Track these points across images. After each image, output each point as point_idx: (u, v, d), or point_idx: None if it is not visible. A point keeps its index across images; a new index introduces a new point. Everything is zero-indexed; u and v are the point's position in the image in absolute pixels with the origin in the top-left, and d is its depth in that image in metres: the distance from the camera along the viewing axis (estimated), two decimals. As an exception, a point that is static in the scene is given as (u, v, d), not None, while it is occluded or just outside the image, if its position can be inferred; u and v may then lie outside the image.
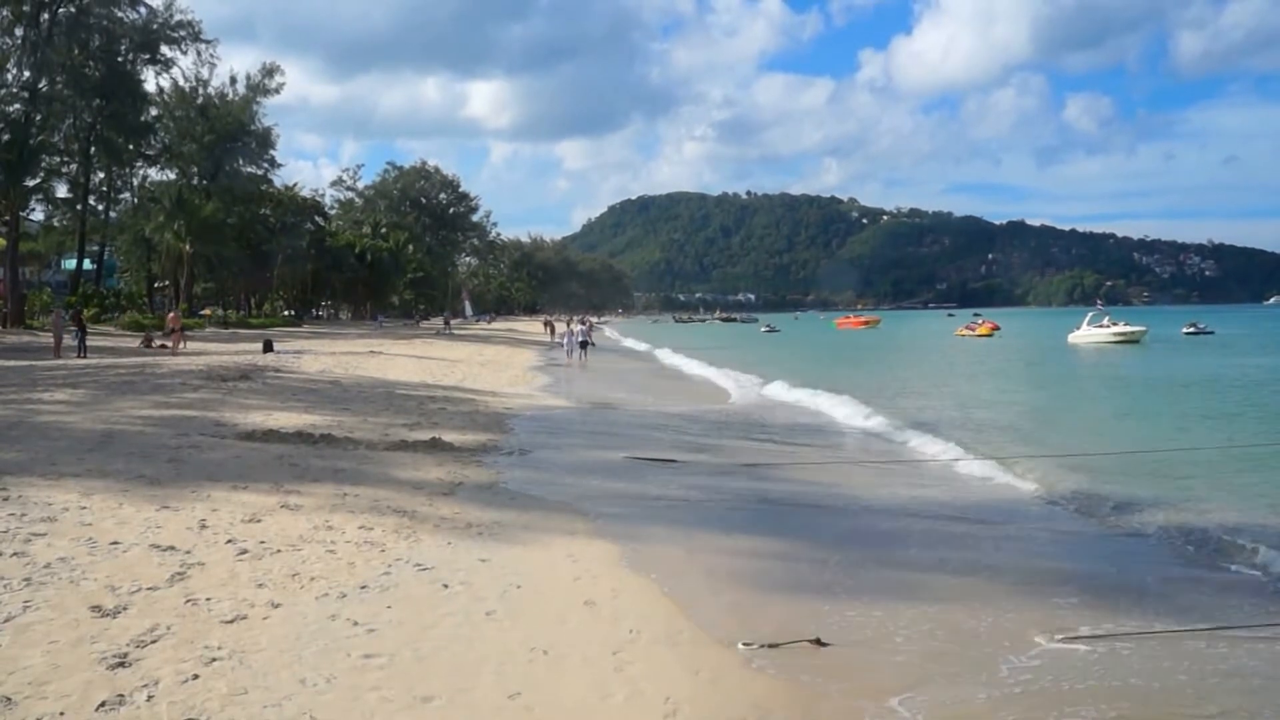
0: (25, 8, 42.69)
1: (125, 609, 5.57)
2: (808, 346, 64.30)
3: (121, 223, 58.07)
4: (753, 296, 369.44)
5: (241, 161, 64.04)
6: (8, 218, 43.60)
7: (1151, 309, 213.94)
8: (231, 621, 5.50)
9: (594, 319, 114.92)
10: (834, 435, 17.01)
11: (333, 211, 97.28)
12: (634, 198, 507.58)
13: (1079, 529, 9.68)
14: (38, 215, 55.15)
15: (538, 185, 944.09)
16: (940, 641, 6.04)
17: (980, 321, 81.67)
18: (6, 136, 42.10)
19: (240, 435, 12.60)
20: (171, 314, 40.78)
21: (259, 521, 7.88)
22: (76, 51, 46.72)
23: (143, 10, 50.60)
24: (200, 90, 59.66)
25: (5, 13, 42.70)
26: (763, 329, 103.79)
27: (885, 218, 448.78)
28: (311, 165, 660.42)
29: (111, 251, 61.44)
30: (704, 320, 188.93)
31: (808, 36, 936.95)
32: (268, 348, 33.60)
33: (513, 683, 4.92)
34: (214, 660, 4.91)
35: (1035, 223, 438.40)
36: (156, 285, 62.53)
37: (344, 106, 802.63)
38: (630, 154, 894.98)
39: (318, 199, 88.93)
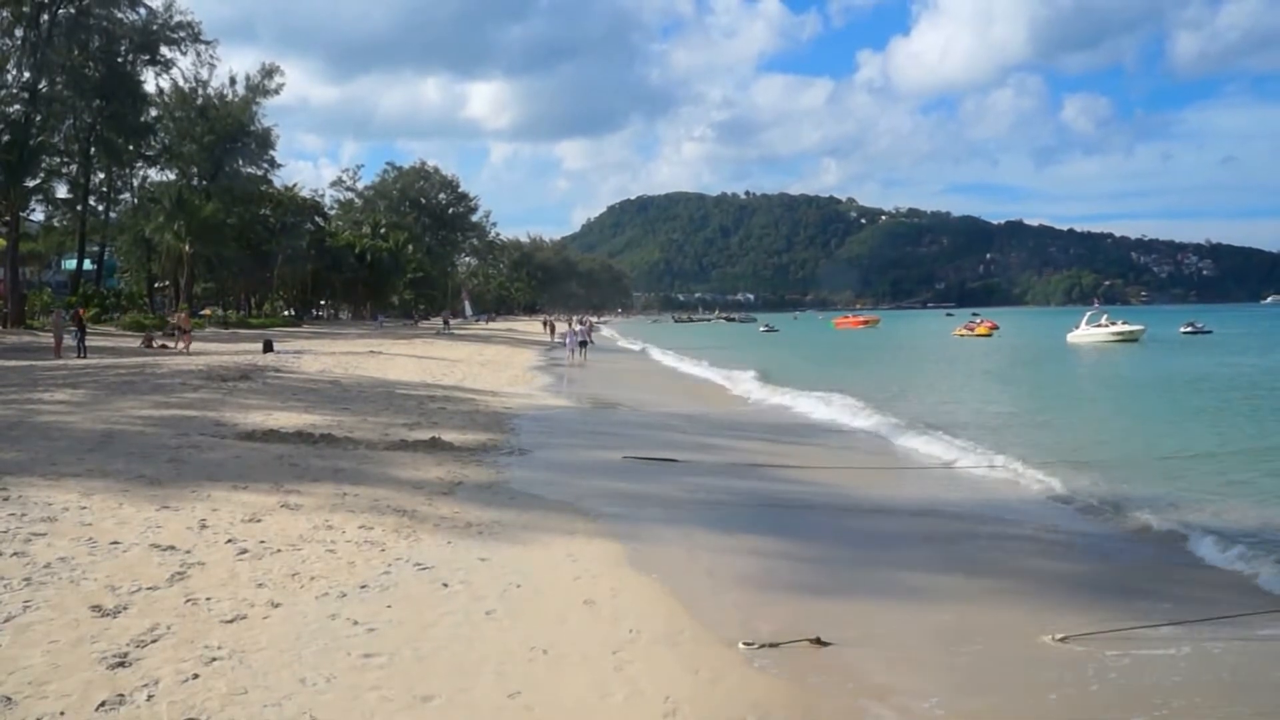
0: (25, 9, 42.64)
1: (125, 609, 5.57)
2: (807, 346, 64.29)
3: (121, 223, 58.03)
4: (752, 296, 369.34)
5: (241, 162, 63.99)
6: (8, 218, 43.57)
7: (1149, 308, 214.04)
8: (231, 621, 5.51)
9: (594, 319, 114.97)
10: (833, 435, 17.00)
11: (332, 212, 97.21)
12: (633, 198, 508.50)
13: (1080, 528, 9.67)
14: (38, 215, 55.12)
15: (537, 185, 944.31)
16: (941, 641, 6.05)
17: (979, 321, 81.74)
18: (6, 137, 42.09)
19: (240, 435, 12.61)
20: (182, 314, 40.84)
21: (259, 521, 7.88)
22: (76, 52, 46.67)
23: (142, 11, 50.61)
24: (200, 91, 59.61)
25: (5, 14, 42.65)
26: (761, 329, 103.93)
27: (884, 218, 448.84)
28: (312, 166, 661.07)
29: (111, 252, 61.39)
30: (708, 320, 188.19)
31: (806, 37, 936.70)
32: (268, 348, 33.60)
33: (512, 682, 4.93)
34: (214, 660, 4.92)
35: (1033, 222, 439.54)
36: (157, 285, 62.50)
37: (344, 107, 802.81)
38: (630, 154, 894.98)
39: (317, 199, 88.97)
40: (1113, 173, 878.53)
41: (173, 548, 6.89)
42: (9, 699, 4.33)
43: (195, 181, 60.49)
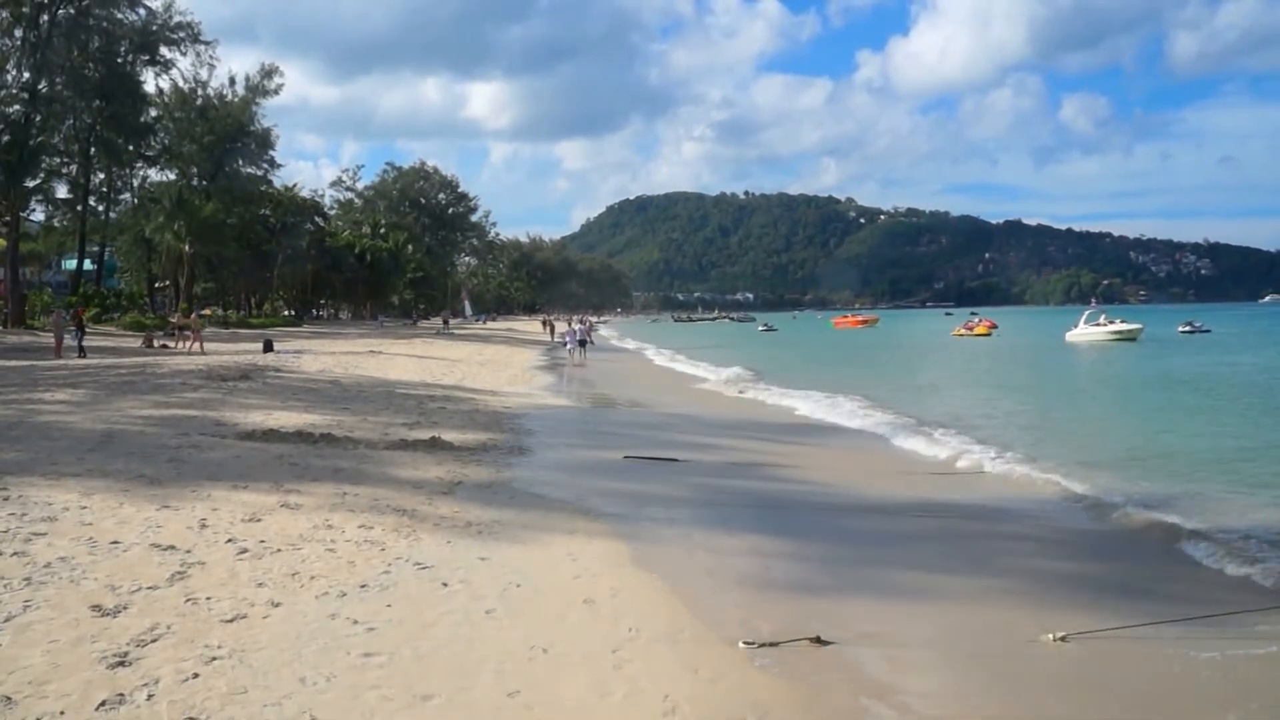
0: (25, 9, 42.62)
1: (125, 608, 5.57)
2: (806, 346, 64.30)
3: (121, 223, 58.00)
4: (751, 296, 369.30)
5: (241, 162, 63.98)
6: (8, 218, 43.55)
7: (1148, 307, 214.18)
8: (231, 620, 5.51)
9: (593, 318, 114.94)
10: (833, 435, 17.00)
11: (332, 212, 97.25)
12: (633, 198, 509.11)
13: (1080, 527, 9.68)
14: (38, 216, 55.11)
15: (537, 185, 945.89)
16: (941, 640, 6.06)
17: (977, 320, 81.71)
18: (6, 137, 42.07)
19: (240, 435, 12.60)
20: (193, 314, 40.90)
21: (259, 521, 7.88)
22: (76, 53, 46.62)
23: (142, 12, 50.57)
24: (200, 91, 59.61)
25: (5, 14, 42.64)
26: (760, 328, 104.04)
27: (883, 217, 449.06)
28: (312, 166, 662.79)
29: (112, 252, 61.35)
30: (711, 319, 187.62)
31: (805, 37, 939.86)
32: (268, 347, 33.61)
33: (512, 681, 4.93)
34: (214, 659, 4.92)
35: (1032, 222, 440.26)
36: (157, 285, 62.51)
37: (344, 107, 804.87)
38: (629, 154, 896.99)
39: (317, 199, 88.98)
40: (1111, 172, 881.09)
41: (173, 547, 6.89)
42: (9, 699, 4.33)
43: (195, 181, 60.48)
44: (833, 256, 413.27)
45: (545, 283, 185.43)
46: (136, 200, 58.48)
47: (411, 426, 14.41)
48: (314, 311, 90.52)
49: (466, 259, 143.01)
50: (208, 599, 5.85)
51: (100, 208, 55.80)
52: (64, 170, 51.55)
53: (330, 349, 36.59)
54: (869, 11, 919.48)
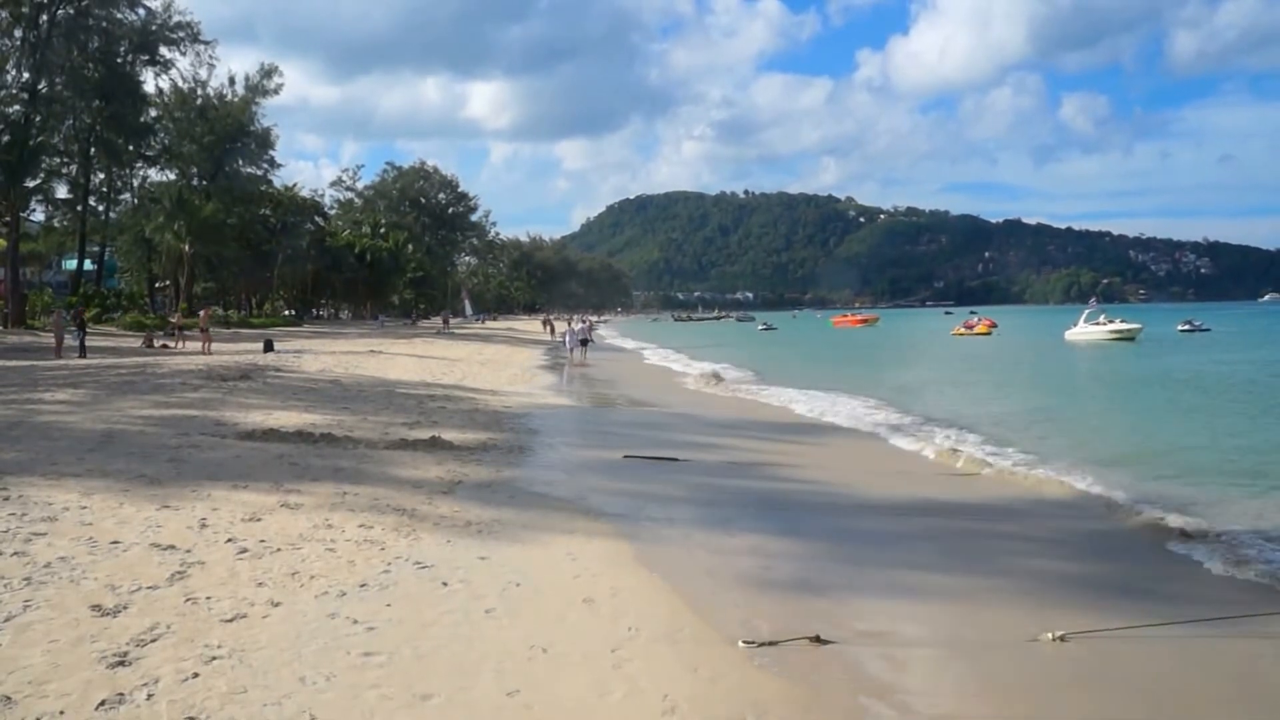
0: (24, 9, 42.63)
1: (125, 608, 5.58)
2: (805, 345, 64.28)
3: (121, 223, 58.02)
4: (751, 295, 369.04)
5: (241, 162, 63.99)
6: (8, 218, 43.56)
7: (1147, 306, 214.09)
8: (231, 620, 5.51)
9: (593, 318, 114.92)
10: (833, 434, 17.00)
11: (332, 212, 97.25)
12: (632, 197, 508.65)
13: (1079, 527, 9.67)
14: (38, 216, 55.12)
15: (537, 185, 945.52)
16: (941, 639, 6.06)
17: (977, 319, 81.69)
18: (6, 137, 42.07)
19: (240, 435, 12.61)
20: (202, 312, 40.91)
21: (259, 520, 7.89)
22: (76, 53, 46.63)
23: (141, 12, 50.61)
24: (199, 91, 59.63)
25: (5, 14, 42.64)
26: (760, 327, 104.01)
27: (883, 217, 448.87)
28: (312, 165, 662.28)
29: (112, 252, 61.36)
30: (714, 318, 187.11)
31: (805, 37, 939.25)
32: (268, 347, 33.63)
33: (512, 680, 4.93)
34: (214, 659, 4.92)
35: (1032, 221, 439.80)
36: (157, 285, 62.53)
37: (344, 107, 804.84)
38: (629, 154, 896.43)
39: (317, 199, 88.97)
40: (1111, 171, 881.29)
41: (173, 547, 6.90)
42: (9, 698, 4.34)
43: (195, 181, 60.51)
44: (832, 256, 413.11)
45: (545, 282, 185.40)
46: (136, 200, 58.50)
47: (411, 426, 14.42)
48: (314, 311, 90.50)
49: (466, 259, 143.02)
50: (208, 599, 5.86)
51: (100, 208, 55.81)
52: (64, 170, 51.56)
53: (330, 349, 36.59)
54: (869, 11, 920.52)
